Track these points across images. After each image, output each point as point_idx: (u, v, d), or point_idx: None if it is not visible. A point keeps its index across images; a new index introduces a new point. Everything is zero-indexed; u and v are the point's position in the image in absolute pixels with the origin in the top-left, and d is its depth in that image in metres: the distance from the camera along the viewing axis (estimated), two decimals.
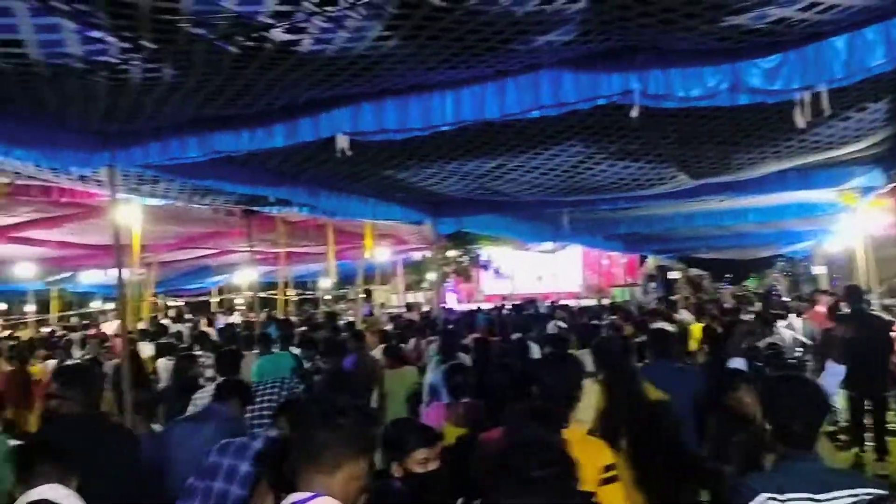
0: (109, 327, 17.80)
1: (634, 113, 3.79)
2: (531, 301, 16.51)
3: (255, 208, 10.27)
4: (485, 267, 20.80)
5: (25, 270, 17.47)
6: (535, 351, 6.67)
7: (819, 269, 17.43)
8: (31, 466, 2.69)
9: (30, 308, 23.68)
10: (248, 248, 16.11)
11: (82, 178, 6.57)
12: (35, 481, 2.62)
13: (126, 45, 2.85)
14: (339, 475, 1.85)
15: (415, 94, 4.18)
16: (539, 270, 23.48)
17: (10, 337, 14.74)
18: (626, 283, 23.83)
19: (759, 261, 19.76)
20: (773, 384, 2.73)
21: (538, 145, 5.24)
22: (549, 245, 16.96)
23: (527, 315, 13.17)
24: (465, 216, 8.94)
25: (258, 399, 4.98)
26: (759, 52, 3.45)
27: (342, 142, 4.33)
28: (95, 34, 2.73)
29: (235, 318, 21.00)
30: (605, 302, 19.90)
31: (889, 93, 4.49)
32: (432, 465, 2.78)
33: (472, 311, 14.98)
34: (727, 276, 22.22)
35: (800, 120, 3.60)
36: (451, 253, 19.40)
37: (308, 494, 1.82)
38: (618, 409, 3.93)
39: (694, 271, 21.87)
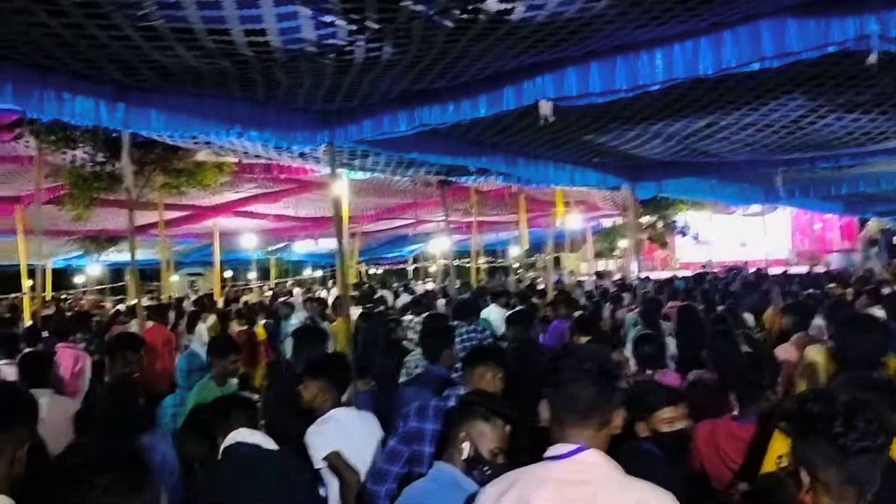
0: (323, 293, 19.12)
1: (872, 59, 3.43)
2: (735, 269, 15.59)
3: (451, 179, 10.60)
4: (682, 233, 19.87)
5: (249, 241, 19.42)
6: (749, 321, 6.31)
7: None
8: (227, 416, 3.09)
9: (252, 275, 26.29)
10: (443, 218, 16.75)
11: (301, 156, 7.14)
12: (231, 428, 2.99)
13: (353, 26, 3.05)
14: (604, 430, 1.96)
15: (621, 54, 4.07)
16: (742, 236, 22.09)
17: (236, 300, 16.40)
18: (843, 249, 21.75)
19: None
20: None
21: (754, 101, 4.90)
22: (755, 208, 15.85)
23: (731, 284, 12.46)
24: (666, 179, 8.59)
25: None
26: None
27: (545, 108, 4.33)
28: (327, 18, 2.94)
29: (430, 286, 21.83)
30: (819, 269, 18.37)
31: None
32: (679, 425, 2.78)
33: (668, 280, 14.43)
34: None
35: None
36: (645, 219, 18.74)
37: (574, 446, 1.92)
38: None
39: None
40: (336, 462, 3.32)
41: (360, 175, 10.48)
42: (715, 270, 16.59)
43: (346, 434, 3.44)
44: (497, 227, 22.79)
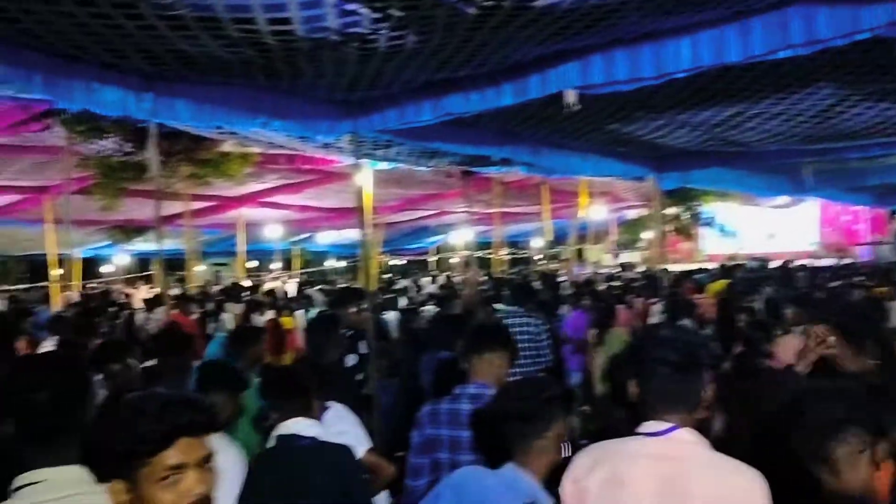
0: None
1: None
2: (761, 260, 15.40)
3: (473, 169, 10.59)
4: (708, 224, 19.65)
5: (273, 231, 19.55)
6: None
7: None
8: (284, 399, 2.89)
9: (275, 265, 26.48)
10: (465, 210, 16.71)
11: (325, 146, 7.15)
12: (287, 414, 2.81)
13: (377, 14, 3.05)
14: (696, 412, 2.02)
15: (647, 41, 4.02)
16: (770, 227, 21.81)
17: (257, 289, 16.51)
18: (872, 241, 21.40)
19: None
20: None
21: (783, 89, 4.83)
22: (783, 199, 15.64)
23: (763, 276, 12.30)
24: (692, 170, 8.47)
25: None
26: None
27: (570, 97, 4.30)
28: (351, 7, 2.94)
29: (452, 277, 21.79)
30: (846, 261, 18.09)
31: None
32: None
33: (691, 272, 14.28)
34: None
35: None
36: (671, 210, 18.58)
37: (667, 425, 1.99)
38: None
39: None
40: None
41: (383, 165, 10.54)
42: (742, 262, 16.35)
43: None
44: (520, 218, 22.70)
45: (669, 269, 14.91)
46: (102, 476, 1.43)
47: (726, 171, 8.77)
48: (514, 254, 30.89)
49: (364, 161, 8.60)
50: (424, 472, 2.98)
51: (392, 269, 26.85)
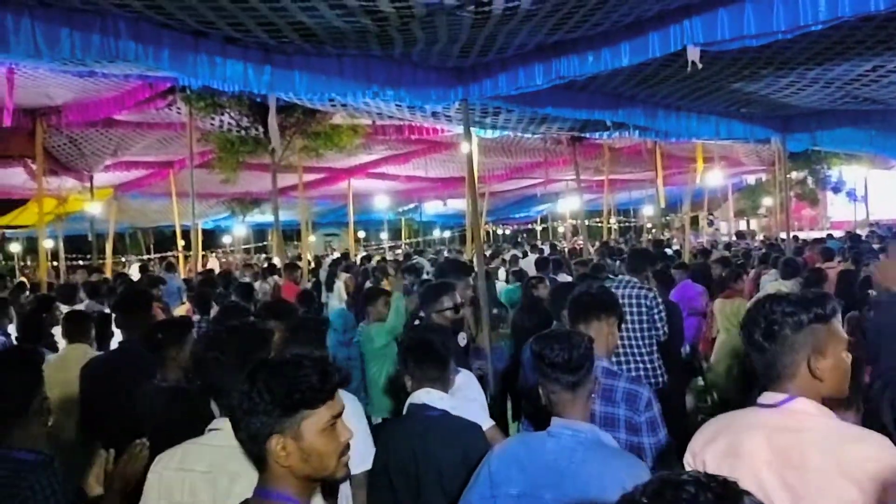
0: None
1: None
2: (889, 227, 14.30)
3: (584, 135, 10.33)
4: (835, 189, 18.39)
5: (381, 202, 19.91)
6: None
7: None
8: (421, 367, 2.82)
9: (384, 235, 27.04)
10: (573, 177, 16.39)
11: (434, 115, 7.16)
12: (421, 382, 2.78)
13: None
14: (809, 378, 1.90)
15: None
16: None
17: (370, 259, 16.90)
18: None
19: None
20: None
21: None
22: None
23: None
24: (821, 130, 7.93)
25: None
26: None
27: (693, 54, 4.08)
28: None
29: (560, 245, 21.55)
30: None
31: None
32: None
33: (818, 240, 13.45)
34: None
35: None
36: (794, 174, 17.53)
37: (784, 396, 1.92)
38: None
39: None
40: None
41: (490, 134, 10.47)
42: (873, 229, 15.25)
43: None
44: (630, 185, 22.10)
45: (797, 237, 14.14)
46: (258, 431, 1.56)
47: (857, 130, 8.17)
48: (624, 222, 30.18)
49: (472, 129, 8.62)
50: None
51: (499, 238, 26.82)
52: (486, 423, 2.95)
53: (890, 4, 3.51)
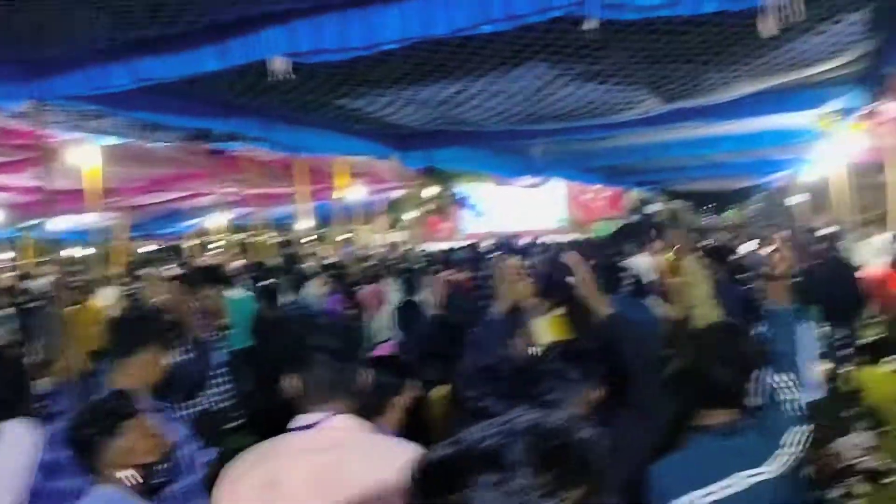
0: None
1: (589, 25, 3.46)
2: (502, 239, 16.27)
3: (219, 147, 9.90)
4: (463, 204, 20.38)
5: None
6: None
7: (798, 199, 17.23)
8: None
9: (6, 255, 23.30)
10: (218, 191, 15.73)
11: (19, 116, 6.16)
12: None
13: None
14: (355, 399, 1.96)
15: (356, 8, 3.83)
16: (521, 206, 23.12)
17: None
18: (609, 217, 23.61)
19: (738, 191, 19.55)
20: None
21: (498, 67, 4.89)
22: (532, 179, 16.57)
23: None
24: (434, 149, 8.56)
25: None
26: None
27: (278, 64, 3.98)
28: None
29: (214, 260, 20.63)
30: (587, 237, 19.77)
31: (868, 1, 4.18)
32: None
33: (445, 252, 14.72)
34: (708, 207, 22.07)
35: (765, 28, 3.31)
36: (431, 190, 19.00)
37: (321, 415, 1.88)
38: None
39: (676, 203, 21.70)
40: None
41: (110, 140, 9.46)
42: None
43: None
44: (283, 199, 21.96)
45: (422, 249, 15.26)
46: None
47: (466, 150, 8.99)
48: (282, 236, 29.94)
49: (81, 134, 7.67)
50: None
51: (140, 256, 24.73)
52: None
53: (450, 31, 3.77)
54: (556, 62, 4.81)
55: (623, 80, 5.26)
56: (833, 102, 6.57)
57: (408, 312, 4.88)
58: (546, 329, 3.96)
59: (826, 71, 5.58)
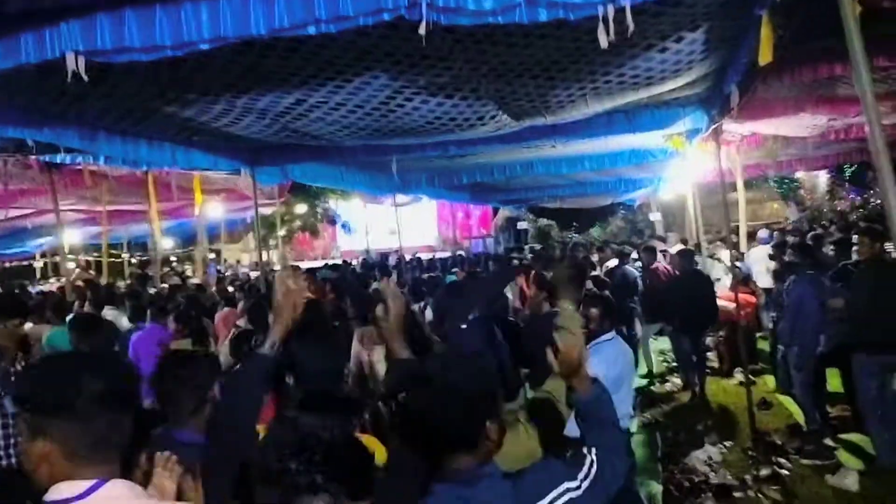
0: None
1: (422, 30, 3.21)
2: (385, 255, 15.97)
3: (52, 160, 9.04)
4: (332, 221, 19.89)
5: None
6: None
7: (655, 217, 17.97)
8: None
9: None
10: (68, 208, 14.46)
11: None
12: None
13: None
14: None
15: (162, 4, 3.41)
16: (391, 224, 22.93)
17: None
18: (480, 235, 23.84)
19: (602, 209, 20.21)
20: None
21: (336, 76, 4.56)
22: (403, 198, 16.35)
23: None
24: (288, 164, 8.13)
25: None
26: None
27: (72, 63, 3.48)
28: None
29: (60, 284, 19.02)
30: (459, 253, 19.78)
31: (706, 20, 4.19)
32: None
33: (312, 269, 14.21)
34: (573, 225, 22.69)
35: (604, 39, 3.19)
36: (301, 208, 18.40)
37: (88, 483, 1.57)
38: None
39: (543, 221, 22.17)
40: None
41: None
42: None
43: None
44: (139, 217, 20.64)
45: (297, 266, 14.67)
46: None
47: (322, 166, 8.61)
48: (143, 256, 28.24)
49: None
50: None
51: None
52: None
53: (268, 31, 3.41)
54: (398, 73, 4.55)
55: (470, 95, 5.08)
56: (680, 123, 6.71)
57: (240, 342, 4.38)
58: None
59: (672, 91, 5.65)
